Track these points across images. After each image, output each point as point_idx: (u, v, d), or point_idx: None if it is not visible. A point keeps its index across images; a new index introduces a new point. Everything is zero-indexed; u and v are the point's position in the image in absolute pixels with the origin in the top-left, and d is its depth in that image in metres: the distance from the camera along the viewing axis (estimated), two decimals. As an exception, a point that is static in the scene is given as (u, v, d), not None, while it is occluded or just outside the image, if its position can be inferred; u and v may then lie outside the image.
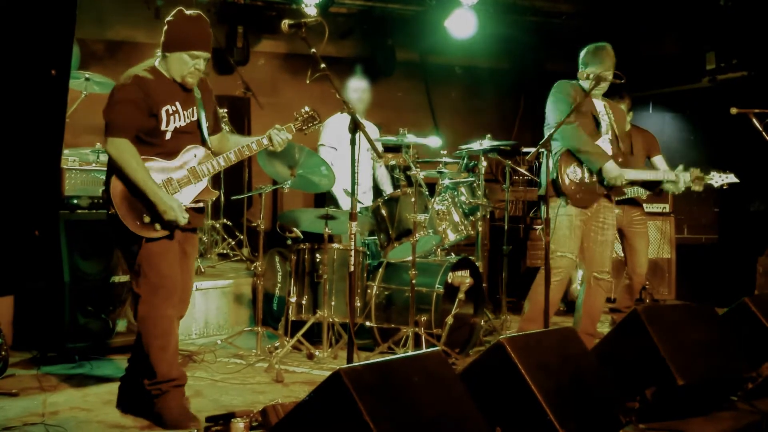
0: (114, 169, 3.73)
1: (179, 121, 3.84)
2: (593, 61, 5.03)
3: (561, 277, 4.97)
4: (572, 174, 4.95)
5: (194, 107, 3.93)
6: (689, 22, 7.87)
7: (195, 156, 3.87)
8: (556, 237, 4.84)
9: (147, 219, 3.72)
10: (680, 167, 5.24)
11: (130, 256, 3.82)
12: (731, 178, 5.88)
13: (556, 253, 4.87)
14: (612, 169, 4.91)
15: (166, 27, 3.84)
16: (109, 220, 3.77)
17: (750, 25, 7.36)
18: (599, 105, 5.13)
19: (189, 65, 3.80)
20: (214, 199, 3.91)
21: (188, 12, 3.83)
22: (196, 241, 4.13)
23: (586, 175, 4.98)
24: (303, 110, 4.15)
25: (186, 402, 3.94)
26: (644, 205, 6.52)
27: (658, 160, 6.19)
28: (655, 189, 5.69)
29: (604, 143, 5.05)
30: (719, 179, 5.87)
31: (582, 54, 5.13)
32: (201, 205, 3.94)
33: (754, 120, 5.28)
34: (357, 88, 6.13)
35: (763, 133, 5.28)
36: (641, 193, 6.15)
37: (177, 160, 3.83)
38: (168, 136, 3.81)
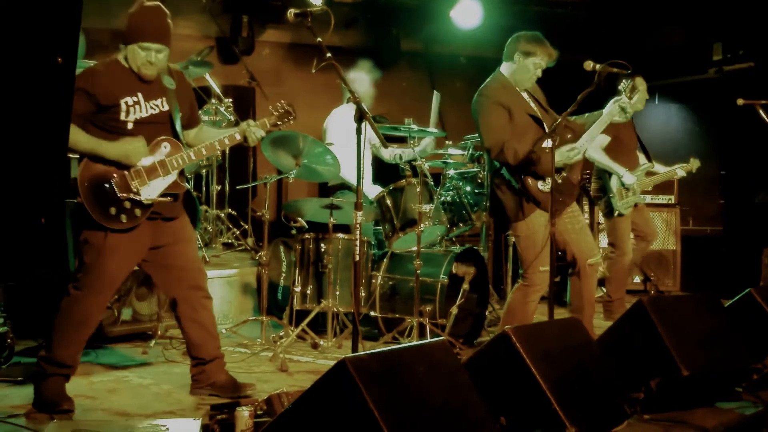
0: (77, 161, 3.72)
1: (140, 112, 3.77)
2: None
3: (541, 293, 4.68)
4: (541, 185, 4.55)
5: (163, 98, 3.84)
6: (695, 13, 7.84)
7: (165, 148, 3.80)
8: (538, 252, 4.52)
9: (113, 211, 3.69)
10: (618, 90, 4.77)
11: (83, 245, 3.79)
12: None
13: (538, 268, 4.56)
14: (564, 150, 4.51)
15: (126, 19, 3.79)
16: (75, 210, 3.75)
17: (757, 15, 7.33)
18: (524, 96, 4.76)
19: (141, 57, 3.72)
20: (182, 193, 3.86)
21: (148, 3, 3.78)
22: (186, 223, 4.04)
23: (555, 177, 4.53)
24: (278, 104, 4.10)
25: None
26: (650, 196, 6.52)
27: None
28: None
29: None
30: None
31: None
32: (169, 199, 3.84)
33: (761, 111, 5.26)
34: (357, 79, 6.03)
35: (770, 124, 5.26)
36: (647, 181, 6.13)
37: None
38: (130, 126, 3.74)
